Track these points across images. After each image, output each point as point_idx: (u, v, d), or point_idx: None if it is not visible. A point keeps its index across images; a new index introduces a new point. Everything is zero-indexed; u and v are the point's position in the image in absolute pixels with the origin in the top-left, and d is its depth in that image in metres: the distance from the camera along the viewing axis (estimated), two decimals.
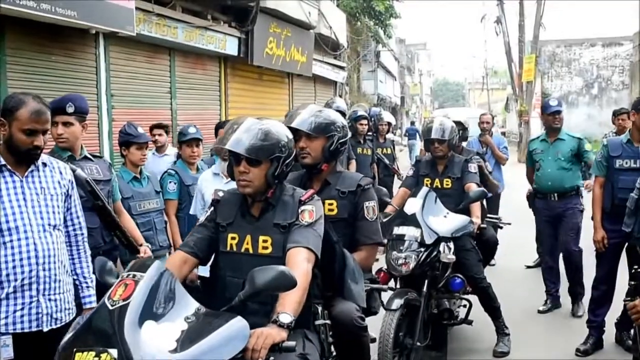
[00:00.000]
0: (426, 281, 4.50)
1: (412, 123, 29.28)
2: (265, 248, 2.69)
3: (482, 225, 4.92)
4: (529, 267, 7.91)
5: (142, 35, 7.73)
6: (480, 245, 5.15)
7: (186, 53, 9.36)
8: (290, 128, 3.03)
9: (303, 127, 3.29)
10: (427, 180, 5.18)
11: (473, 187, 4.93)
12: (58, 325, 2.92)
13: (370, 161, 8.53)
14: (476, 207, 4.89)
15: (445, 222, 4.58)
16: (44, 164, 3.01)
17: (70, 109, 3.72)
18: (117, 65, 7.77)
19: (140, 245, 3.95)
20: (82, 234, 3.18)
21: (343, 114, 7.98)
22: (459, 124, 5.94)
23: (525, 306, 6.30)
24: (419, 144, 19.04)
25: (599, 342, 5.22)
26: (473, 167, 5.13)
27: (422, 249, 4.39)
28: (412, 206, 4.58)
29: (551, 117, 6.06)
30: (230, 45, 10.17)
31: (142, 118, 7.35)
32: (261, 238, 2.70)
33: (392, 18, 23.01)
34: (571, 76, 32.38)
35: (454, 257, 4.57)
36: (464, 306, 5.07)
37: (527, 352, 5.17)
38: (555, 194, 6.02)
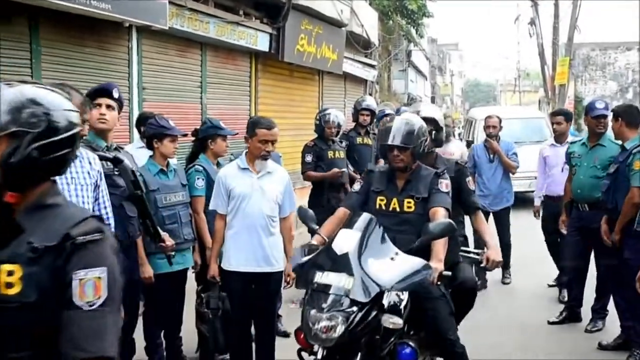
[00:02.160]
0: (359, 354, 3.16)
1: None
2: None
3: (446, 273, 3.47)
4: (551, 285, 7.22)
5: (174, 29, 7.79)
6: (453, 292, 3.98)
7: (217, 48, 9.40)
8: None
9: None
10: (381, 200, 3.81)
11: (439, 214, 3.61)
12: None
13: None
14: (440, 246, 3.52)
15: (392, 267, 3.23)
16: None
17: (116, 94, 3.89)
18: (149, 58, 7.84)
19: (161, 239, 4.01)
20: (109, 225, 3.22)
21: (373, 112, 7.96)
22: (431, 121, 4.19)
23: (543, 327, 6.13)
24: None
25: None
26: (445, 185, 3.77)
27: (355, 308, 3.02)
28: (345, 242, 3.22)
29: (595, 121, 5.62)
30: (261, 41, 10.18)
31: (172, 111, 7.42)
32: None
33: (425, 17, 22.85)
34: (605, 80, 31.94)
35: (400, 321, 3.25)
36: None
37: None
38: (586, 204, 5.69)
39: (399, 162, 3.73)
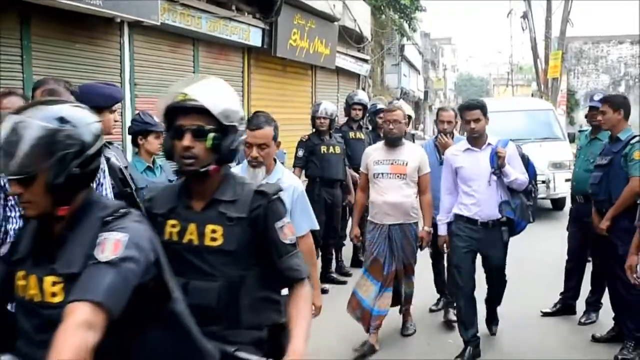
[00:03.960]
0: None
1: None
2: None
3: None
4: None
5: (166, 24, 7.76)
6: None
7: (210, 43, 9.37)
8: None
9: None
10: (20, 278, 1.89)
11: (72, 321, 1.57)
12: None
13: None
14: None
15: None
16: None
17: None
18: (141, 54, 7.81)
19: None
20: None
21: (365, 107, 7.96)
22: (200, 114, 2.17)
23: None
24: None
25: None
26: (111, 247, 1.72)
27: None
28: None
29: (589, 113, 5.67)
30: (254, 36, 10.17)
31: None
32: None
33: (418, 11, 22.86)
34: (598, 73, 31.94)
35: None
36: None
37: None
38: (582, 197, 5.68)
39: (29, 208, 1.81)
